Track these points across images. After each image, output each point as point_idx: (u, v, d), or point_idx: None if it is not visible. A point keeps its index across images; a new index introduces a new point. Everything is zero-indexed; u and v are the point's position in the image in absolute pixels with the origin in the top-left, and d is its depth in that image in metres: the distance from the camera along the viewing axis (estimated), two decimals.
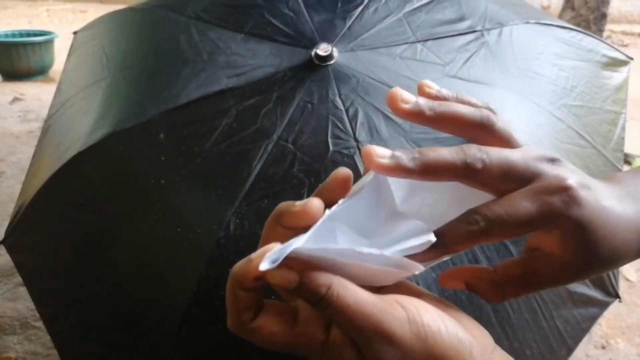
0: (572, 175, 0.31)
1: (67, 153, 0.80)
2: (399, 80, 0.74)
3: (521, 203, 0.30)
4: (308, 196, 0.69)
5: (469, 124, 0.33)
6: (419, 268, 0.32)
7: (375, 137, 0.70)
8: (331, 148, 0.69)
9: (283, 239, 0.29)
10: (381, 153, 0.30)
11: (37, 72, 3.24)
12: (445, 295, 0.67)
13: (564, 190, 0.30)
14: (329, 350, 0.30)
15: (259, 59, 0.76)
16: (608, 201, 0.31)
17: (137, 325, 0.75)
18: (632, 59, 1.07)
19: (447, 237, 0.31)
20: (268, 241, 0.31)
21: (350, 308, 0.28)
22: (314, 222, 0.29)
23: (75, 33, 1.08)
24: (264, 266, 0.27)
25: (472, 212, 0.31)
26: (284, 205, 0.31)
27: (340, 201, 0.32)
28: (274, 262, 0.27)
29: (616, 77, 1.00)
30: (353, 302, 0.28)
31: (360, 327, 0.28)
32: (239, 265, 0.29)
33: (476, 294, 0.35)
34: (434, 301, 0.32)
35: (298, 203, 0.30)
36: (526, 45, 0.86)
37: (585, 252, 0.31)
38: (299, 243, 0.27)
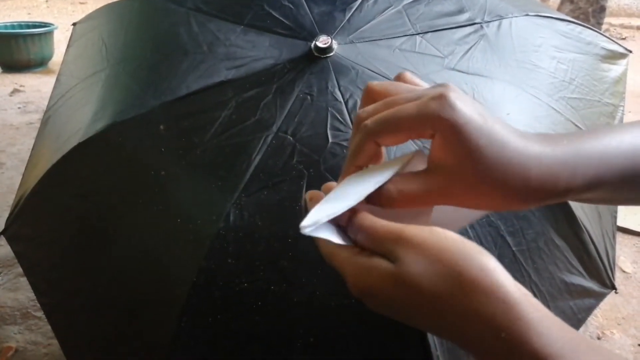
0: (452, 91, 0.34)
1: (67, 144, 0.80)
2: (398, 72, 0.74)
3: (405, 108, 0.35)
4: (307, 188, 0.69)
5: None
6: None
7: None
8: (330, 140, 0.69)
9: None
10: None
11: (36, 63, 3.23)
12: None
13: (440, 96, 0.34)
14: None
15: (259, 51, 0.76)
16: (498, 126, 0.34)
17: (137, 315, 0.75)
18: (630, 52, 1.07)
19: (350, 151, 0.38)
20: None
21: (373, 227, 0.33)
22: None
23: (74, 24, 1.08)
24: (308, 230, 0.33)
25: (359, 117, 0.37)
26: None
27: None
28: (315, 224, 0.33)
29: (615, 70, 1.00)
30: (372, 223, 0.33)
31: (384, 238, 0.32)
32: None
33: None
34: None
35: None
36: (525, 38, 0.86)
37: (463, 155, 0.34)
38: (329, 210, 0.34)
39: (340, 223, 0.35)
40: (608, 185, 0.36)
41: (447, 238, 0.32)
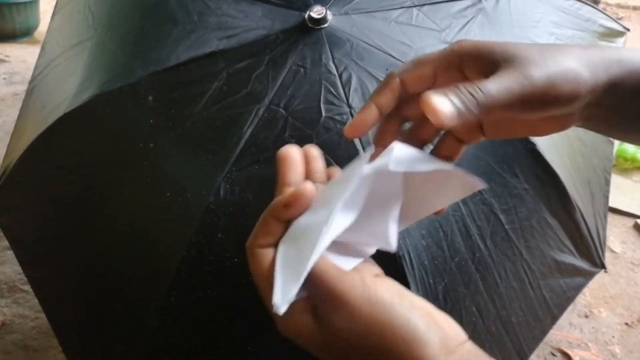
0: None
1: (52, 115, 0.78)
2: (394, 45, 0.73)
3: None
4: None
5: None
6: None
7: None
8: (323, 114, 0.67)
9: (276, 235, 0.35)
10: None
11: (22, 33, 3.14)
12: (435, 263, 0.68)
13: (453, 43, 0.38)
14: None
15: (251, 21, 0.74)
16: (517, 44, 0.36)
17: (125, 289, 0.75)
18: (628, 30, 1.06)
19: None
20: (263, 238, 0.35)
21: (315, 275, 0.32)
22: (306, 208, 0.34)
23: None
24: (282, 310, 0.32)
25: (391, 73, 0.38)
26: (277, 199, 0.35)
27: (331, 183, 0.36)
28: (288, 301, 0.32)
29: (612, 48, 0.99)
30: (318, 271, 0.32)
31: (318, 289, 0.32)
32: (277, 199, 0.34)
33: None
34: (409, 294, 0.34)
35: (285, 195, 0.34)
36: (524, 13, 0.84)
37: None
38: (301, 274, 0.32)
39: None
40: (627, 89, 0.36)
41: (378, 302, 0.32)
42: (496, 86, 0.32)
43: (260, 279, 0.35)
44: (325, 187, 0.37)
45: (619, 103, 0.37)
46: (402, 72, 0.37)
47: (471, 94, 0.32)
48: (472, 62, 0.35)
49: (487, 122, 0.39)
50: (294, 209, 0.33)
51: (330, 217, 0.32)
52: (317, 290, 0.32)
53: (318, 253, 0.32)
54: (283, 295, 0.32)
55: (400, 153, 0.34)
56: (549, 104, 0.34)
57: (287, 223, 0.35)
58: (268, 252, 0.35)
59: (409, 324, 0.31)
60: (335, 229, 0.33)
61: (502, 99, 0.32)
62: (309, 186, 0.33)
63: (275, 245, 0.35)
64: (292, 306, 0.33)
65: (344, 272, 0.33)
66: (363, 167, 0.33)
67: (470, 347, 0.33)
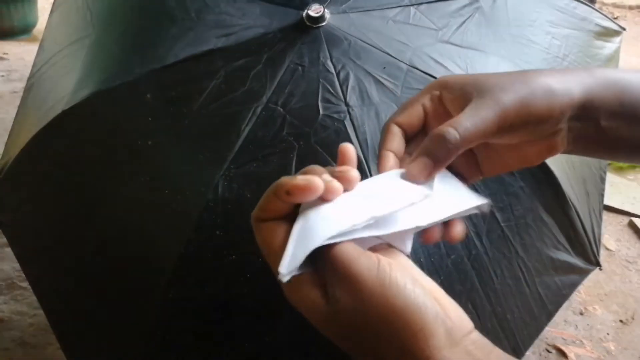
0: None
1: (50, 112, 0.78)
2: (391, 44, 0.73)
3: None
4: (297, 160, 0.68)
5: None
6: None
7: (366, 101, 0.69)
8: (321, 112, 0.68)
9: (280, 212, 0.34)
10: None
11: (20, 31, 3.13)
12: (432, 260, 0.68)
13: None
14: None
15: (249, 19, 0.74)
16: (488, 75, 0.39)
17: (123, 286, 0.75)
18: (624, 29, 1.06)
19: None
20: (267, 213, 0.35)
21: (332, 252, 0.32)
22: (313, 197, 0.33)
23: None
24: (285, 279, 0.32)
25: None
26: (285, 179, 0.34)
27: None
28: (291, 271, 0.32)
29: (608, 47, 1.00)
30: (335, 248, 0.32)
31: (332, 267, 0.32)
32: (285, 178, 0.34)
33: None
34: (422, 277, 0.34)
35: (300, 177, 0.34)
36: (520, 12, 0.84)
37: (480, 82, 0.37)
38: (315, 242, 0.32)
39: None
40: (606, 103, 0.38)
41: (392, 286, 0.32)
42: (470, 119, 0.36)
43: (263, 248, 0.36)
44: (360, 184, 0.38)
45: (599, 116, 0.38)
46: (396, 118, 0.40)
47: (438, 140, 0.36)
48: (450, 97, 0.39)
49: (481, 158, 0.42)
50: (294, 197, 0.33)
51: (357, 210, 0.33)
52: (331, 267, 0.32)
53: (334, 232, 0.32)
54: (290, 266, 0.33)
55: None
56: (524, 124, 0.37)
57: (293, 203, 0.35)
58: (269, 226, 0.35)
59: (419, 312, 0.31)
60: (359, 217, 0.34)
61: (479, 128, 0.35)
62: (317, 181, 0.33)
63: (279, 220, 0.35)
64: (301, 278, 0.33)
65: (360, 251, 0.33)
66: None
67: (476, 337, 0.33)
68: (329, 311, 0.32)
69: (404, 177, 0.37)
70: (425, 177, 0.36)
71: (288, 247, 0.33)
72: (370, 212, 0.34)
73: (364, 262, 0.32)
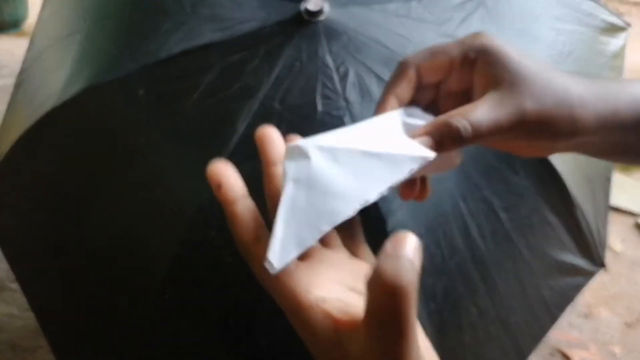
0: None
1: (40, 109, 0.76)
2: (392, 38, 0.71)
3: (446, 43, 0.38)
4: None
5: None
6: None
7: (366, 98, 0.67)
8: (320, 108, 0.66)
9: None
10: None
11: (10, 25, 3.10)
12: (434, 262, 0.66)
13: (475, 33, 0.37)
14: None
15: (245, 13, 0.72)
16: (530, 61, 0.36)
17: (116, 287, 0.73)
18: (629, 25, 1.04)
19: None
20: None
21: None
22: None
23: None
24: (275, 270, 0.29)
25: (404, 60, 0.38)
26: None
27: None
28: (285, 262, 0.29)
29: (614, 43, 0.98)
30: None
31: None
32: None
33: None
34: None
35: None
36: (525, 7, 0.83)
37: (511, 70, 0.35)
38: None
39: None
40: (626, 122, 0.36)
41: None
42: (486, 116, 0.34)
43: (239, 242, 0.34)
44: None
45: (616, 136, 0.37)
46: (417, 60, 0.36)
47: (449, 129, 0.34)
48: (482, 70, 0.36)
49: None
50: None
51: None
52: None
53: (348, 213, 0.29)
54: (281, 255, 0.29)
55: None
56: (540, 134, 0.35)
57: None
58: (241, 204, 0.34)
59: None
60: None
61: (491, 129, 0.34)
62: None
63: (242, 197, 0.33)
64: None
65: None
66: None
67: None
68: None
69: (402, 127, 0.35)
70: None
71: (277, 225, 0.29)
72: (378, 187, 0.30)
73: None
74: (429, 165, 0.33)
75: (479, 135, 0.34)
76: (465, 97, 0.38)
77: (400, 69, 0.37)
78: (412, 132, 0.35)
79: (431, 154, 0.33)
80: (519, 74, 0.35)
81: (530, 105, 0.34)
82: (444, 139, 0.34)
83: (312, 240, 0.29)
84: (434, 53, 0.37)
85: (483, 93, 0.35)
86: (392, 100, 0.36)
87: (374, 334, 0.25)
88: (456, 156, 0.39)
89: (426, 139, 0.34)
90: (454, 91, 0.38)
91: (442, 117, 0.34)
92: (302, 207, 0.30)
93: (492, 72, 0.35)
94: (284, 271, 0.29)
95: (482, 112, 0.34)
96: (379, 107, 0.37)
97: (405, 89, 0.36)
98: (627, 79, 0.39)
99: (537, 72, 0.35)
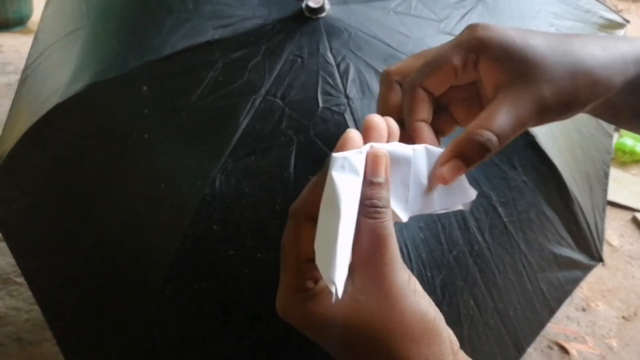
0: (479, 23, 0.35)
1: (45, 105, 0.77)
2: (392, 35, 0.72)
3: (440, 48, 0.35)
4: (296, 154, 0.67)
5: None
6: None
7: (367, 94, 0.68)
8: (321, 104, 0.67)
9: None
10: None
11: (15, 23, 3.10)
12: (433, 255, 0.67)
13: (469, 27, 0.35)
14: None
15: (247, 10, 0.73)
16: (533, 39, 0.34)
17: (119, 281, 0.74)
18: (628, 22, 1.05)
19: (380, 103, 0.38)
20: (316, 207, 0.32)
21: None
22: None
23: None
24: (340, 292, 0.30)
25: (388, 73, 0.38)
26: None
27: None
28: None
29: None
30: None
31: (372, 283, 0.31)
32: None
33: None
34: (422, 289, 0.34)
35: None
36: (524, 3, 0.83)
37: (520, 61, 0.33)
38: None
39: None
40: None
41: (416, 293, 0.31)
42: (508, 116, 0.32)
43: (290, 250, 0.34)
44: None
45: (635, 101, 0.36)
46: (421, 79, 0.35)
47: (475, 145, 0.33)
48: (488, 66, 0.34)
49: (458, 114, 0.39)
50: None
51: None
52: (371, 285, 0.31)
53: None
54: (339, 275, 0.28)
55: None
56: (560, 114, 0.34)
57: None
58: (313, 228, 0.32)
59: (434, 320, 0.31)
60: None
61: (516, 127, 0.33)
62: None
63: None
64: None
65: (402, 270, 0.31)
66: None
67: (463, 355, 0.34)
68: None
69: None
70: (455, 179, 0.34)
71: (337, 250, 0.28)
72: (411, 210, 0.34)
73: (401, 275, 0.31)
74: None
75: (506, 140, 0.33)
76: (476, 98, 0.37)
77: (413, 95, 0.35)
78: (438, 160, 0.34)
79: (474, 194, 0.36)
80: (526, 60, 0.33)
81: (547, 90, 0.32)
82: (471, 157, 0.33)
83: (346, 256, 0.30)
84: (432, 65, 0.35)
85: (495, 91, 0.34)
86: (421, 127, 0.35)
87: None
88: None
89: (456, 162, 0.33)
90: (463, 94, 0.38)
91: (464, 136, 0.33)
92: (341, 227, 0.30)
93: (499, 68, 0.33)
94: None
95: (502, 116, 0.32)
96: (416, 138, 0.35)
97: (426, 111, 0.35)
98: (630, 36, 0.38)
99: (543, 50, 0.33)
